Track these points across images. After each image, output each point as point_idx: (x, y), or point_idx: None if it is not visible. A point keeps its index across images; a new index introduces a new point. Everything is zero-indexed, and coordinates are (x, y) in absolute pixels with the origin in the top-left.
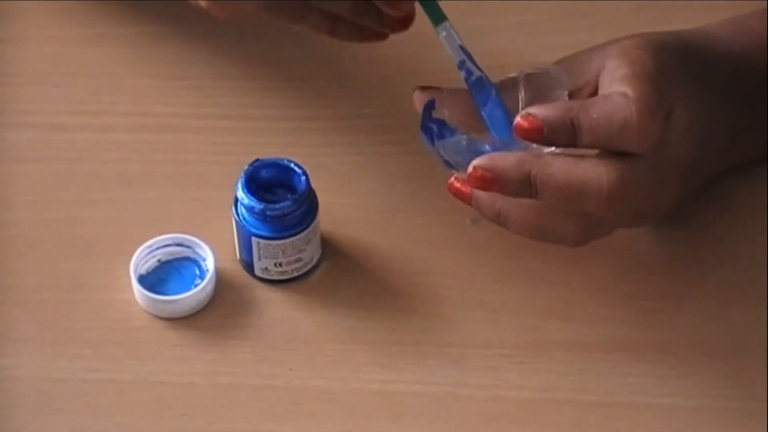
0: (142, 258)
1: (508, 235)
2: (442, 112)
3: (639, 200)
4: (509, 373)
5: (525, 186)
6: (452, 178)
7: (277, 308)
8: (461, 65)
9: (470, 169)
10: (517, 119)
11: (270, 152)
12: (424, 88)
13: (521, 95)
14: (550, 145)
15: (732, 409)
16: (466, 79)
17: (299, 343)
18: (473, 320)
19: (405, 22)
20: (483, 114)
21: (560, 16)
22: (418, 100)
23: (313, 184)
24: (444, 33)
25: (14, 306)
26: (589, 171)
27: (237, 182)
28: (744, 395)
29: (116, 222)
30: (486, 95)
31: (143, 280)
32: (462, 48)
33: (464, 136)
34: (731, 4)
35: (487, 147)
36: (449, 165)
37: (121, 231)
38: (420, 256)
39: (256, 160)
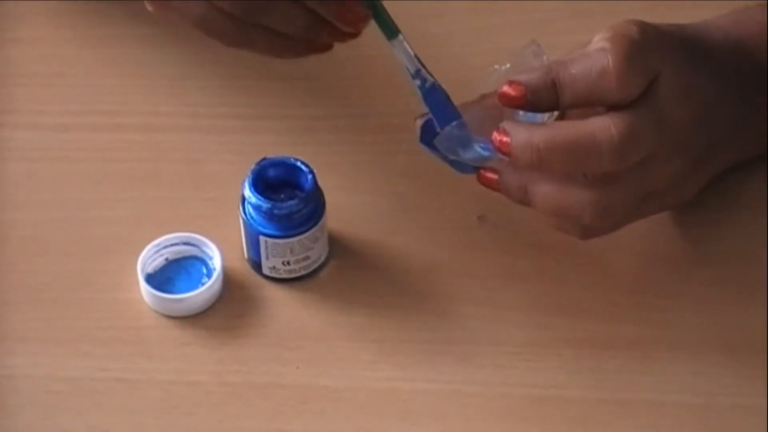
0: (149, 257)
1: (516, 233)
2: None
3: (646, 167)
4: (517, 370)
5: (527, 152)
6: (480, 171)
7: (284, 306)
8: (416, 74)
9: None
10: (503, 88)
11: (277, 151)
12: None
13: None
14: (535, 109)
15: (742, 406)
16: (421, 87)
17: (307, 341)
18: (481, 317)
19: (356, 34)
20: (436, 119)
21: (570, 15)
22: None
23: (321, 183)
24: (397, 45)
25: (24, 305)
26: (595, 124)
27: (244, 181)
28: (754, 393)
29: (124, 221)
30: (440, 101)
31: (151, 279)
32: (417, 57)
33: (453, 125)
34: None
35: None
36: (458, 168)
37: (129, 230)
38: (427, 253)
39: (263, 159)
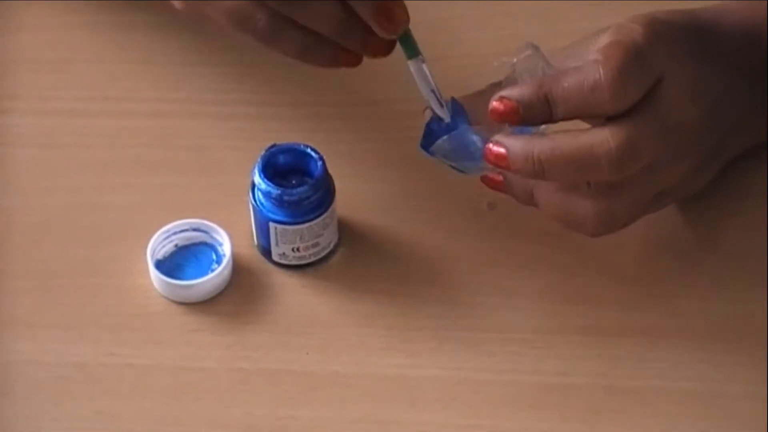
0: (159, 243)
1: (525, 221)
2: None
3: (654, 171)
4: (526, 357)
5: (529, 164)
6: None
7: (293, 293)
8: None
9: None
10: (492, 104)
11: (287, 138)
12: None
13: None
14: (527, 124)
15: (749, 393)
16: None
17: (316, 328)
18: (490, 305)
19: (389, 47)
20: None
21: (579, 1)
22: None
23: (330, 170)
24: (416, 66)
25: (33, 292)
26: (593, 137)
27: (254, 168)
28: (761, 380)
29: (134, 207)
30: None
31: (160, 265)
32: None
33: (445, 138)
34: None
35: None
36: (461, 171)
37: (139, 216)
38: (437, 241)
39: (273, 146)
